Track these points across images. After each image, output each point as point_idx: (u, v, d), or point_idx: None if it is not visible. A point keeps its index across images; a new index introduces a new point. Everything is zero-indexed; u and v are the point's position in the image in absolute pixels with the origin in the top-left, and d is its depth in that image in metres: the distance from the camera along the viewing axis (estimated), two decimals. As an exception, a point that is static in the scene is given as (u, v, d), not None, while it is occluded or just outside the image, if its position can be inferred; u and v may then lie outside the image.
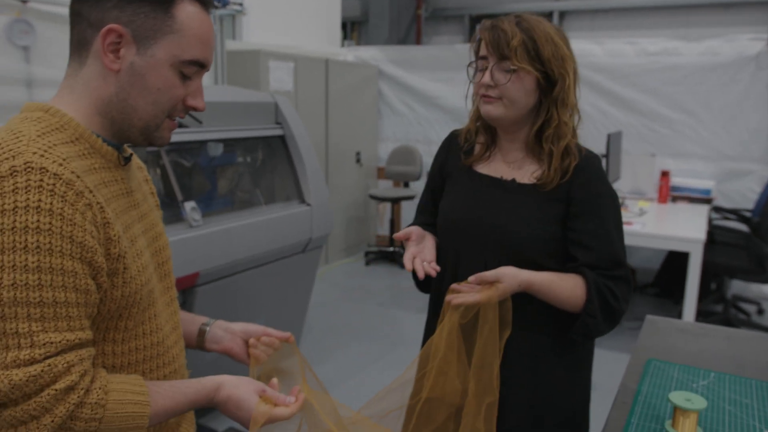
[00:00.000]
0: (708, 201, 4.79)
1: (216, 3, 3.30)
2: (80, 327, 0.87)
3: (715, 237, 4.07)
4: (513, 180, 1.42)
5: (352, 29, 8.01)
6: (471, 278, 1.32)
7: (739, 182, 4.89)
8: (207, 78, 4.36)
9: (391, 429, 1.50)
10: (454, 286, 1.35)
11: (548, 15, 7.46)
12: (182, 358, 1.11)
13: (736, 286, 4.87)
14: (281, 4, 5.32)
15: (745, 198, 4.85)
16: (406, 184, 6.00)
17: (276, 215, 2.93)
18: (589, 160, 1.40)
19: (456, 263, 1.46)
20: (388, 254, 5.83)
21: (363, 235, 6.22)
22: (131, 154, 1.06)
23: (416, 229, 1.44)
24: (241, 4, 3.53)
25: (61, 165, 0.86)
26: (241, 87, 3.69)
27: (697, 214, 4.33)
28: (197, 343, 1.22)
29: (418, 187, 5.96)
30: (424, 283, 1.61)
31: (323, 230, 3.18)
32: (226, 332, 1.22)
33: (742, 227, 4.48)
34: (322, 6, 5.96)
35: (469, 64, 1.42)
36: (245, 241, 2.73)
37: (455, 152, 1.53)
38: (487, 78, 1.34)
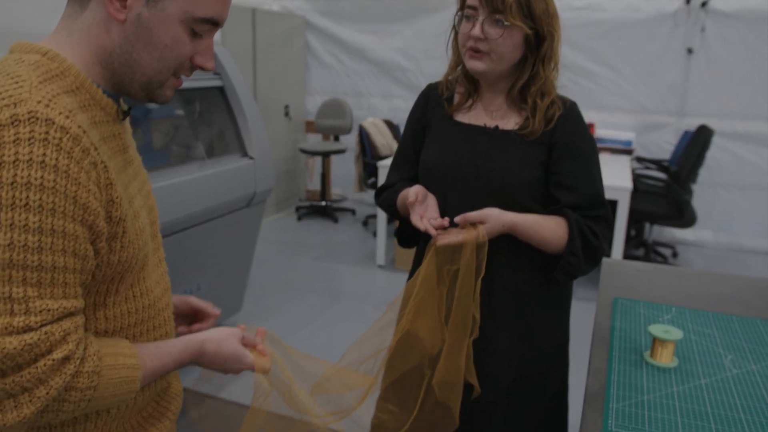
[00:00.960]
0: (629, 152, 5.04)
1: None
2: (75, 294, 0.81)
3: (637, 186, 4.30)
4: (496, 127, 1.43)
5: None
6: (457, 218, 1.34)
7: (656, 134, 5.16)
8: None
9: (370, 374, 1.52)
10: (439, 230, 1.36)
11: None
12: (172, 321, 1.06)
13: (653, 232, 5.18)
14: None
15: (662, 149, 5.13)
16: (337, 138, 5.94)
17: (218, 170, 2.83)
18: (571, 109, 1.43)
19: (443, 208, 1.47)
20: (320, 209, 5.79)
21: (293, 189, 6.14)
22: (130, 108, 0.98)
23: (419, 189, 1.43)
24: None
25: (68, 117, 0.78)
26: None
27: (621, 165, 4.54)
28: None
29: (348, 140, 5.92)
30: (410, 239, 1.62)
31: (267, 184, 3.11)
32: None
33: (661, 176, 4.74)
34: (246, -49, 5.69)
35: (456, 12, 1.40)
36: (186, 197, 2.62)
37: (434, 103, 1.53)
38: (477, 31, 1.33)
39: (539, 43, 1.36)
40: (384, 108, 5.96)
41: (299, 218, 5.71)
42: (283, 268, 4.51)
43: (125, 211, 0.87)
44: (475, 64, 1.37)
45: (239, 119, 3.04)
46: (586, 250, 1.38)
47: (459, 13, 1.39)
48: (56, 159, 0.76)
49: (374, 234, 5.18)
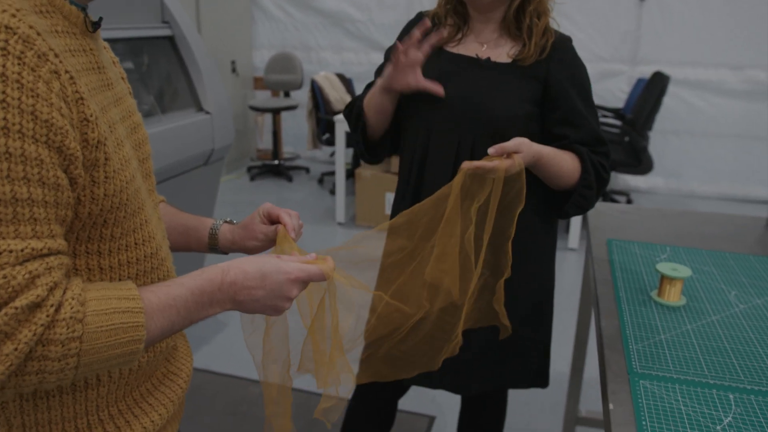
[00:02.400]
0: (584, 101, 5.04)
1: None
2: (49, 233, 0.66)
3: (595, 134, 4.30)
4: (488, 59, 1.35)
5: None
6: (491, 149, 1.22)
7: (609, 82, 5.18)
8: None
9: (368, 284, 1.37)
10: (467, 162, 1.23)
11: None
12: (174, 272, 0.94)
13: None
14: None
15: (615, 97, 5.16)
16: (287, 94, 5.74)
17: (173, 125, 2.65)
18: (562, 38, 1.36)
19: (426, 143, 1.39)
20: (273, 168, 5.62)
21: (244, 149, 5.93)
22: (100, 18, 0.83)
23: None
24: None
25: (14, 16, 0.64)
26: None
27: (578, 113, 4.54)
28: (209, 246, 1.08)
29: (299, 96, 5.73)
30: (375, 149, 1.51)
31: (225, 140, 2.95)
32: (237, 227, 1.08)
33: (616, 123, 4.78)
34: None
35: None
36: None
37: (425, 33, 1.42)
38: None
39: None
40: (335, 62, 5.77)
41: (252, 178, 5.53)
42: (240, 229, 4.36)
43: (104, 133, 0.73)
44: None
45: (192, 72, 2.85)
46: (599, 183, 1.34)
47: None
48: (2, 66, 0.62)
49: (331, 192, 5.07)
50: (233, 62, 5.57)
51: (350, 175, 5.09)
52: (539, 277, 1.46)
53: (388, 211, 4.23)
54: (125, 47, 2.77)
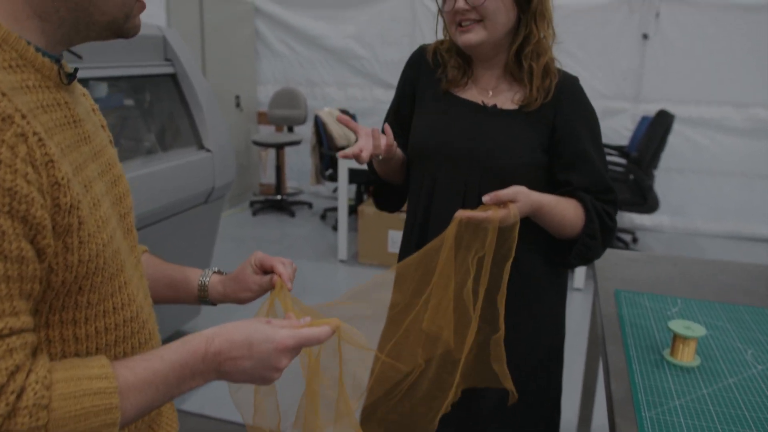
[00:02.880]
0: (588, 138, 5.02)
1: None
2: (11, 311, 0.61)
3: (599, 172, 4.26)
4: (494, 105, 1.32)
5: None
6: (486, 197, 1.18)
7: (613, 120, 5.17)
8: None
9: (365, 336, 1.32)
10: (461, 211, 1.20)
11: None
12: (157, 333, 0.89)
13: (612, 218, 5.20)
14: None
15: (620, 135, 5.14)
16: (291, 129, 5.74)
17: (173, 164, 2.62)
18: (568, 78, 1.33)
19: (431, 191, 1.35)
20: (276, 203, 5.59)
21: (247, 184, 5.91)
22: (76, 69, 0.80)
23: (377, 130, 1.28)
24: None
25: None
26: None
27: (582, 151, 4.51)
28: (199, 298, 1.04)
29: (303, 131, 5.73)
30: (388, 200, 1.52)
31: (226, 177, 2.92)
32: (228, 278, 1.03)
33: (621, 161, 4.75)
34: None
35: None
36: (140, 194, 2.41)
37: (427, 71, 1.40)
38: (460, 3, 1.22)
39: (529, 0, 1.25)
40: (339, 97, 5.79)
41: (254, 213, 5.50)
42: (240, 265, 4.31)
43: (78, 196, 0.68)
44: (467, 38, 1.25)
45: (194, 109, 2.83)
46: (603, 233, 1.28)
47: None
48: None
49: (333, 228, 5.02)
50: (237, 97, 5.58)
51: (353, 211, 5.05)
52: (547, 330, 1.40)
53: (391, 249, 4.18)
54: (127, 85, 2.76)
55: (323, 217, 5.39)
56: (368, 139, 1.26)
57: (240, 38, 5.58)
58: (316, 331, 0.82)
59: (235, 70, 5.55)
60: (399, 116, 1.45)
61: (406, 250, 1.42)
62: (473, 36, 1.25)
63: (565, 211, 1.26)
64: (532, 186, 1.28)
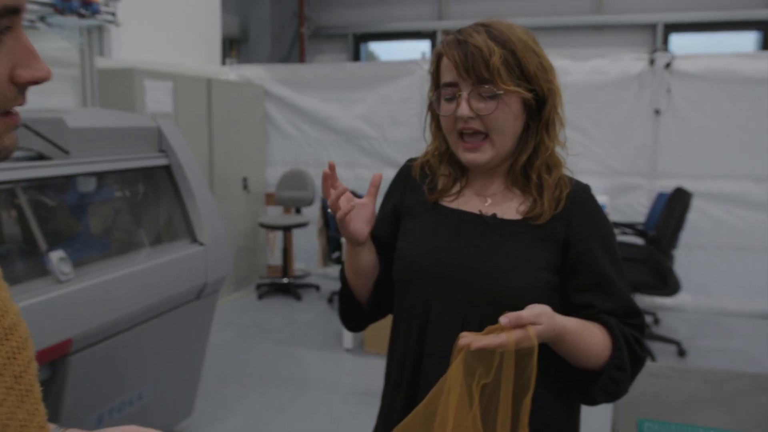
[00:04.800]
0: (603, 217, 4.86)
1: (83, 10, 2.82)
2: None
3: (616, 253, 4.08)
4: (494, 215, 1.15)
5: (231, 47, 7.56)
6: (504, 318, 0.98)
7: (628, 196, 5.02)
8: (75, 99, 3.81)
9: None
10: (465, 334, 1.00)
11: (432, 35, 7.46)
12: None
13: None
14: (154, 17, 4.83)
15: (636, 211, 4.98)
16: (298, 210, 5.65)
17: (164, 259, 2.50)
18: (581, 188, 1.17)
19: (425, 318, 1.16)
20: (282, 286, 5.44)
21: (253, 266, 5.78)
22: None
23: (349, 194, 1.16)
24: (113, 14, 3.05)
25: None
26: (113, 110, 3.21)
27: (598, 231, 4.34)
28: None
29: (310, 213, 5.64)
30: (353, 316, 1.32)
31: (220, 272, 2.78)
32: None
33: (638, 241, 4.56)
34: (201, 21, 5.52)
35: (430, 91, 1.15)
36: (128, 293, 2.28)
37: (413, 185, 1.25)
38: (465, 110, 1.08)
39: (539, 106, 1.11)
40: (349, 177, 5.72)
41: (260, 297, 5.34)
42: (242, 355, 4.12)
43: None
44: (473, 158, 1.12)
45: (188, 201, 2.73)
46: (634, 364, 1.09)
47: (434, 93, 1.14)
48: None
49: (341, 312, 4.84)
50: (245, 179, 5.53)
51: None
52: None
53: (399, 337, 3.98)
54: (122, 178, 2.68)
55: (330, 300, 5.21)
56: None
57: (250, 121, 5.58)
58: None
59: (244, 153, 5.53)
60: (378, 238, 1.27)
61: (392, 400, 1.22)
62: (480, 156, 1.12)
63: (592, 338, 1.07)
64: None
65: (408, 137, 5.43)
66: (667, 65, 4.77)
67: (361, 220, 1.17)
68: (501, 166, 1.17)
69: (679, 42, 6.61)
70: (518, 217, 1.14)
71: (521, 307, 1.09)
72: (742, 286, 4.90)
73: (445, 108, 1.11)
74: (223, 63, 6.02)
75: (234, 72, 5.80)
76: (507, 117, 1.08)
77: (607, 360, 1.08)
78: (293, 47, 7.56)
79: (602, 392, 1.08)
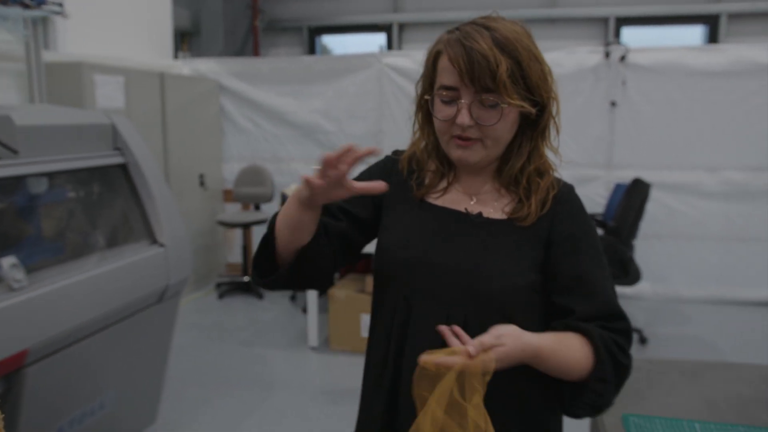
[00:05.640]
0: (563, 208, 4.91)
1: (27, 1, 2.66)
2: None
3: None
4: (479, 214, 1.13)
5: (182, 41, 7.35)
6: (470, 346, 0.93)
7: (587, 188, 5.08)
8: (19, 96, 3.62)
9: None
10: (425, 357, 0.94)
11: (388, 28, 7.41)
12: None
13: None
14: (103, 8, 4.63)
15: (594, 202, 5.05)
16: (257, 207, 5.55)
17: (123, 262, 2.39)
18: (567, 189, 1.16)
19: (406, 318, 1.12)
20: (243, 284, 5.33)
21: (212, 265, 5.65)
22: None
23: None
24: (60, 5, 2.89)
25: None
26: (60, 105, 3.06)
27: (559, 222, 4.39)
28: None
29: (270, 209, 5.54)
30: (266, 270, 1.17)
31: (181, 273, 2.68)
32: None
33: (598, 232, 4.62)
34: (151, 14, 5.33)
35: (423, 92, 1.12)
36: (86, 299, 2.17)
37: (398, 179, 1.21)
38: (465, 119, 1.04)
39: (538, 114, 1.09)
40: (306, 172, 5.62)
41: (220, 296, 5.22)
42: (205, 357, 4.01)
43: None
44: (464, 155, 1.08)
45: (146, 201, 2.62)
46: (617, 374, 1.04)
47: (430, 95, 1.10)
48: None
49: (303, 309, 4.76)
50: (201, 176, 5.39)
51: (323, 292, 4.81)
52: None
53: (364, 334, 3.93)
54: (75, 178, 2.55)
55: (293, 298, 5.13)
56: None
57: (205, 116, 5.44)
58: None
59: (200, 149, 5.38)
60: (345, 215, 1.19)
61: (372, 401, 1.17)
62: (471, 154, 1.08)
63: (569, 352, 1.02)
64: (528, 313, 1.09)
65: (366, 131, 5.37)
66: (622, 58, 4.84)
67: (341, 186, 1.05)
68: (490, 166, 1.14)
69: (630, 35, 6.73)
70: (504, 216, 1.12)
71: (505, 306, 1.06)
72: (696, 274, 5.04)
73: (443, 111, 1.07)
74: (176, 57, 5.84)
75: (187, 66, 5.64)
76: (505, 126, 1.06)
77: (589, 372, 1.03)
78: (247, 41, 7.40)
79: (586, 406, 1.05)
